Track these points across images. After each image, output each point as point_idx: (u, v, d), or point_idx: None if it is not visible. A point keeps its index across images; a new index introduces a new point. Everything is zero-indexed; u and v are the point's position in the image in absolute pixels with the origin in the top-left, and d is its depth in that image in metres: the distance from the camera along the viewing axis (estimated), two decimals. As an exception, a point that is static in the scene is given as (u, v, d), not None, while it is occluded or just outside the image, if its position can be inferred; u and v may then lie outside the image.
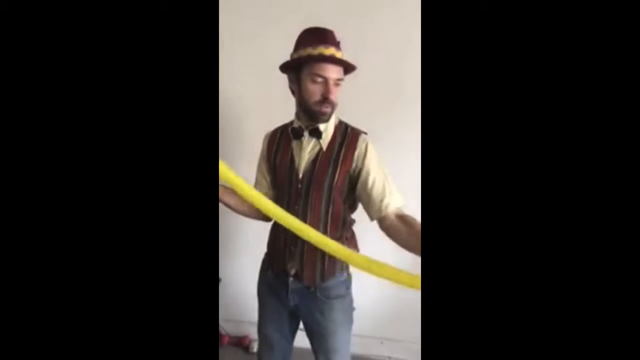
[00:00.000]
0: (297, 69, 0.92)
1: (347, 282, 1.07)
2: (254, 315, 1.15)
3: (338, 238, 1.00)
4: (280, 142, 1.03)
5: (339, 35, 0.93)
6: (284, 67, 0.96)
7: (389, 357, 1.78)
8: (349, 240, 1.06)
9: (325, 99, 0.90)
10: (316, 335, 1.06)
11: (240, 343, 1.85)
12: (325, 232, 0.97)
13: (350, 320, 1.08)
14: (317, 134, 0.96)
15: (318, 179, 0.96)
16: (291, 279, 1.02)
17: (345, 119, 1.03)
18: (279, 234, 1.03)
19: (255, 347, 1.81)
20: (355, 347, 1.15)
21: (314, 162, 0.97)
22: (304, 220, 0.94)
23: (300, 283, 1.02)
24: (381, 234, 0.96)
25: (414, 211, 0.86)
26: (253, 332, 1.76)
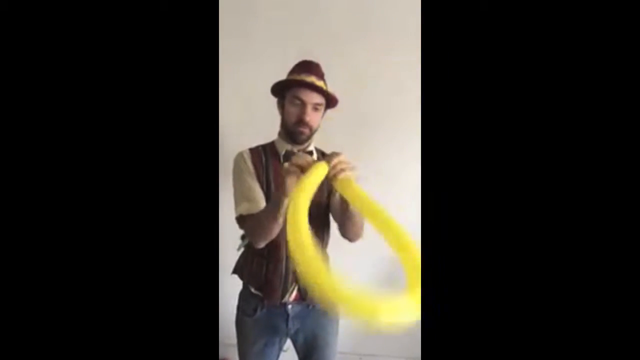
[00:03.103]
0: (282, 93, 1.01)
1: None
2: (231, 338, 1.13)
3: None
4: (269, 162, 1.02)
5: (329, 63, 1.04)
6: (273, 91, 1.03)
7: (369, 373, 1.78)
8: None
9: (301, 121, 0.97)
10: (314, 350, 1.10)
11: (219, 365, 1.79)
12: (324, 252, 1.08)
13: (337, 329, 1.16)
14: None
15: (315, 203, 0.96)
16: (290, 306, 1.05)
17: (346, 124, 1.10)
18: (274, 266, 1.01)
19: (233, 369, 1.77)
20: (335, 364, 1.15)
21: None
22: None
23: (301, 304, 1.06)
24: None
25: (413, 219, 0.86)
26: (231, 354, 1.72)
